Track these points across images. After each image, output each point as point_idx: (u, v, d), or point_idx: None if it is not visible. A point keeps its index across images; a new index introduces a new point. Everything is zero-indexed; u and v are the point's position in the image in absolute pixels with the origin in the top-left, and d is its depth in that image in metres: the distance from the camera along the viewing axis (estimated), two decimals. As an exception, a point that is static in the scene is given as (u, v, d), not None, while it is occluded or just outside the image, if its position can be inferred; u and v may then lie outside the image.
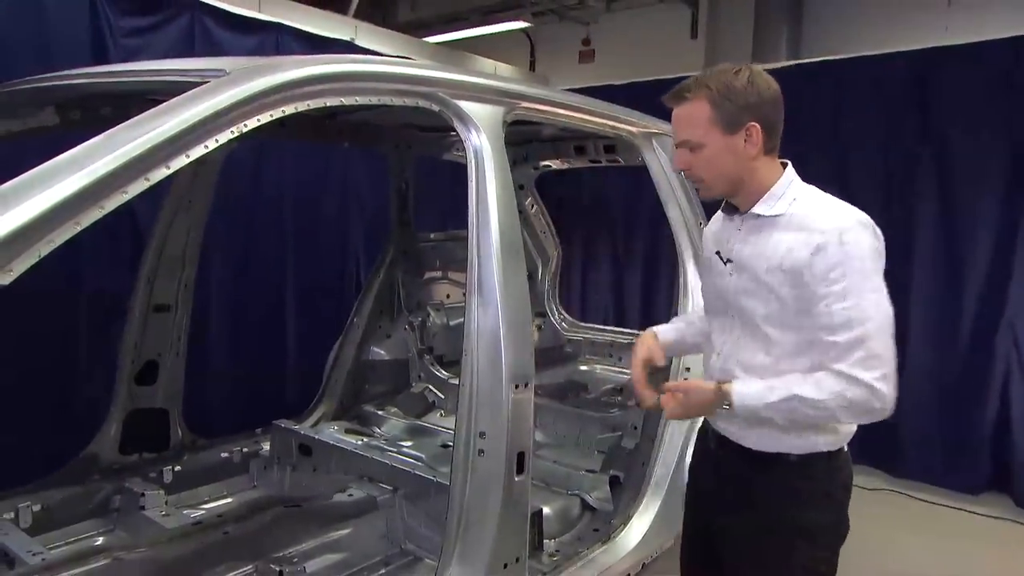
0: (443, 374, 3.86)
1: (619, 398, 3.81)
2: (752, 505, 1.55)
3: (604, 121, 2.68)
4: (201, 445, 3.03)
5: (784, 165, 1.55)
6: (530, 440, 1.95)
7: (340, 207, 4.35)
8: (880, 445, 3.91)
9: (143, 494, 2.61)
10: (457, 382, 3.84)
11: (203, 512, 2.81)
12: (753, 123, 1.45)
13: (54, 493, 2.45)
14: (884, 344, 1.39)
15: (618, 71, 6.31)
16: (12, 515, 2.31)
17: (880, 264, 1.43)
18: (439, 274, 4.21)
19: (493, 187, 1.98)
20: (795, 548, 1.51)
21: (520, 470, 1.90)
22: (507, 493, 1.86)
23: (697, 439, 1.82)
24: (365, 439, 3.25)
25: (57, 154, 1.21)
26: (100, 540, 2.49)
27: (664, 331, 1.85)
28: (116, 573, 1.97)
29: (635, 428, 3.12)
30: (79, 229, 1.20)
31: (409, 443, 3.31)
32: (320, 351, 3.74)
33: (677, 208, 2.81)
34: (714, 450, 1.66)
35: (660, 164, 2.83)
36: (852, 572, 1.81)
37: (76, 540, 2.43)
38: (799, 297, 1.43)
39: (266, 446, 3.19)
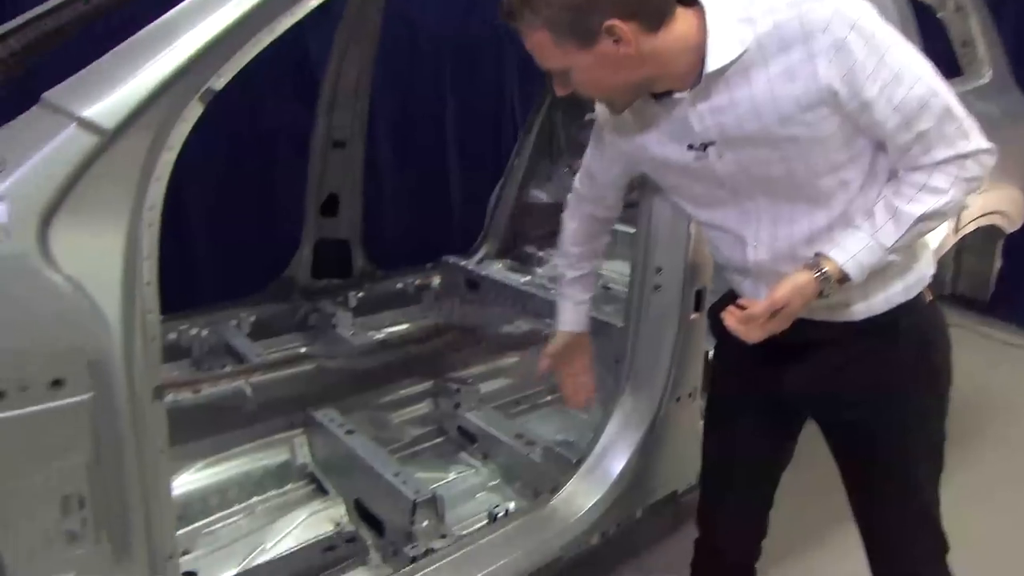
0: (603, 219, 3.81)
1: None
2: (873, 382, 1.27)
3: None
4: (379, 276, 3.27)
5: (690, 3, 1.11)
6: (710, 276, 1.88)
7: (494, 48, 4.21)
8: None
9: (334, 314, 2.89)
10: (618, 226, 3.84)
11: (384, 335, 3.09)
12: (610, 22, 1.05)
13: (264, 308, 2.78)
14: (955, 100, 1.10)
15: None
16: (235, 323, 2.66)
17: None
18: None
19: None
20: (928, 409, 1.31)
21: (697, 308, 1.86)
22: (683, 331, 1.84)
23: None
24: (528, 277, 3.34)
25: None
26: (303, 351, 2.82)
27: (567, 318, 1.70)
28: (321, 376, 2.23)
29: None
30: (276, 34, 1.19)
31: (570, 283, 3.35)
32: (481, 192, 3.81)
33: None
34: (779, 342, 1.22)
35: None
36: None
37: (285, 349, 2.77)
38: (849, 116, 1.09)
39: (436, 280, 3.39)
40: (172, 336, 2.47)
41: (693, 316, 1.85)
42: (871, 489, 1.34)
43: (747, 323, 1.15)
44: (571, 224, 1.66)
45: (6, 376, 0.92)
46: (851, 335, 1.24)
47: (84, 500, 1.02)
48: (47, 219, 0.95)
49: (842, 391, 1.28)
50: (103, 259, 1.02)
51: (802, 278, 1.14)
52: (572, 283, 1.70)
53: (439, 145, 4.09)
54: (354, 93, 3.01)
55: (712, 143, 1.17)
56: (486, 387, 2.53)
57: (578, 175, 1.60)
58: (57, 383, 0.96)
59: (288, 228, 3.04)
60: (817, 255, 1.15)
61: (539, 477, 2.07)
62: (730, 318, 1.17)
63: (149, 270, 1.07)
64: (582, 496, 1.78)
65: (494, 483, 2.19)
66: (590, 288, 1.70)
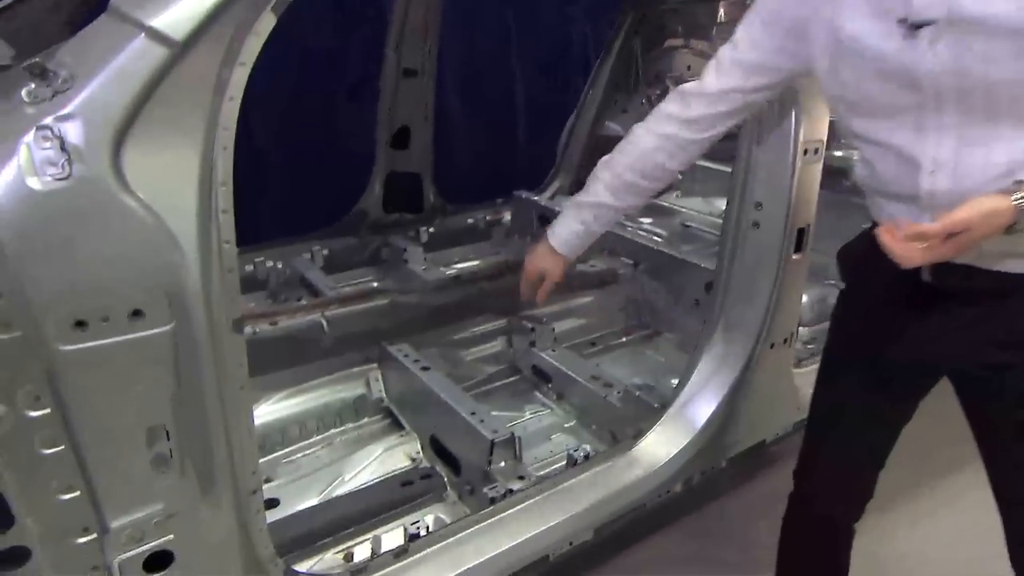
0: (682, 153, 3.61)
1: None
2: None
3: None
4: (450, 211, 3.20)
5: None
6: (813, 215, 1.71)
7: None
8: None
9: (405, 249, 2.84)
10: (699, 162, 3.62)
11: (455, 270, 3.04)
12: None
13: (336, 241, 2.76)
14: None
15: None
16: (308, 256, 2.65)
17: None
18: (680, 43, 3.79)
19: None
20: None
21: (799, 248, 1.70)
22: (782, 272, 1.69)
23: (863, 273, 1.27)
24: (603, 214, 3.20)
25: None
26: (375, 285, 2.80)
27: (566, 236, 1.42)
28: (395, 311, 2.20)
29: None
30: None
31: (648, 220, 3.20)
32: (553, 125, 3.65)
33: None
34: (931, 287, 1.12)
35: None
36: None
37: (357, 282, 2.76)
38: None
39: (507, 215, 3.30)
40: (248, 268, 2.48)
41: (794, 257, 1.70)
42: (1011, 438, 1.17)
43: (911, 241, 0.95)
44: (643, 143, 1.35)
45: (87, 306, 0.89)
46: (1015, 288, 1.05)
47: (168, 431, 1.00)
48: (119, 139, 0.89)
49: (994, 346, 1.10)
50: (178, 184, 0.96)
51: (993, 202, 0.94)
52: (596, 207, 1.40)
53: (509, 77, 3.93)
54: (424, 20, 2.87)
55: (931, 23, 0.95)
56: (560, 326, 2.45)
57: (682, 89, 1.32)
58: (137, 314, 0.92)
59: (359, 161, 2.98)
60: (1019, 181, 0.95)
61: (617, 421, 2.00)
62: (888, 234, 0.96)
63: (225, 197, 1.01)
64: (666, 443, 1.70)
65: (569, 424, 2.14)
66: (607, 225, 1.45)
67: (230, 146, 1.02)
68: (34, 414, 0.88)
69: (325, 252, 2.71)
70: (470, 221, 3.23)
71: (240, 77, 1.02)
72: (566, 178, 3.54)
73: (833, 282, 2.79)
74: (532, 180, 3.49)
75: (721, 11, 3.84)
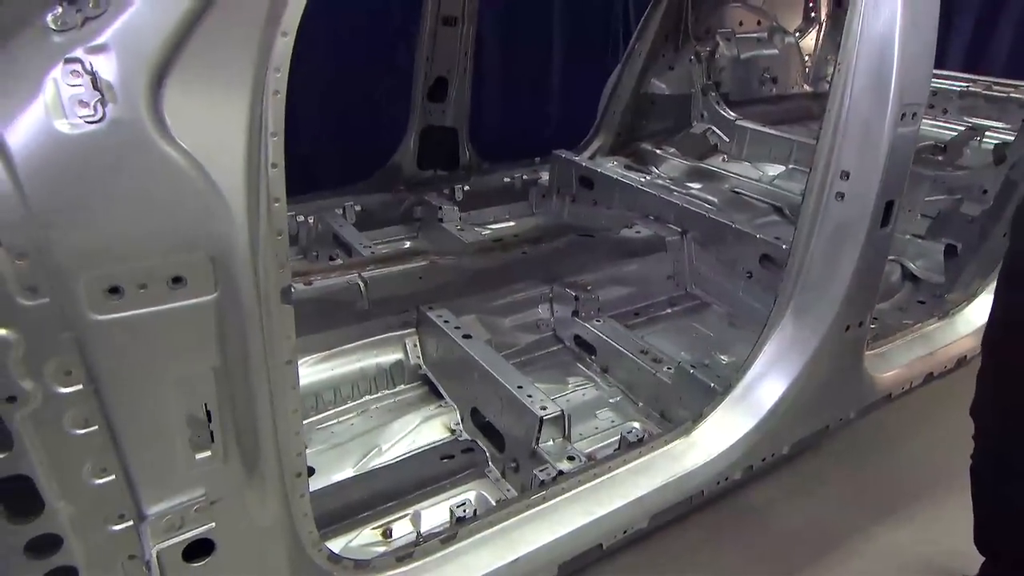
0: (730, 114, 3.41)
1: (940, 158, 3.10)
2: None
3: None
4: (486, 169, 3.06)
5: None
6: (904, 187, 1.55)
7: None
8: None
9: (440, 208, 2.72)
10: (746, 124, 3.42)
11: (491, 232, 2.91)
12: None
13: (370, 198, 2.64)
14: None
15: None
16: (341, 211, 2.53)
17: None
18: (734, -4, 3.57)
19: None
20: None
21: (886, 222, 1.55)
22: (866, 247, 1.54)
23: None
24: (647, 177, 3.03)
25: None
26: (408, 244, 2.68)
27: None
28: (434, 274, 2.08)
29: (984, 192, 2.52)
30: None
31: (695, 186, 3.04)
32: (591, 81, 3.46)
33: None
34: None
35: None
36: None
37: (390, 240, 2.64)
38: None
39: (544, 175, 3.15)
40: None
41: (881, 232, 1.55)
42: None
43: None
44: None
45: (121, 270, 0.77)
46: None
47: (210, 411, 0.90)
48: (159, 78, 0.77)
49: None
50: (224, 131, 0.84)
51: None
52: None
53: (549, 29, 3.72)
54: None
55: None
56: (604, 295, 2.32)
57: None
58: (177, 280, 0.81)
59: (394, 115, 2.83)
60: None
61: (668, 399, 1.89)
62: None
63: (276, 149, 0.88)
64: (729, 427, 1.59)
65: (615, 400, 2.03)
66: None
67: (283, 91, 0.89)
68: (64, 390, 0.77)
69: (358, 208, 2.60)
70: (507, 180, 3.09)
71: (295, 9, 0.88)
72: (607, 137, 3.37)
73: (894, 257, 2.64)
74: (569, 139, 3.32)
75: (778, -37, 3.62)
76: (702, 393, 1.77)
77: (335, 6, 2.74)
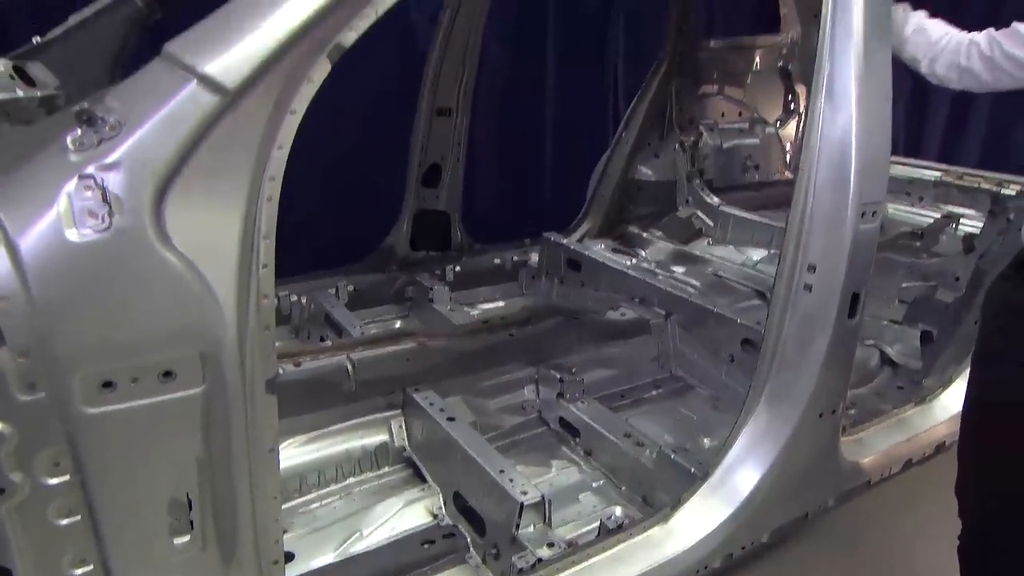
0: (713, 200, 3.55)
1: (918, 244, 3.22)
2: None
3: None
4: (477, 250, 3.15)
5: None
6: (867, 280, 1.63)
7: (600, 18, 3.95)
8: None
9: (431, 288, 2.79)
10: (729, 210, 3.55)
11: (480, 312, 2.98)
12: None
13: (363, 278, 2.72)
14: None
15: None
16: (333, 291, 2.61)
17: None
18: (714, 89, 3.77)
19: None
20: None
21: (852, 313, 1.62)
22: (835, 338, 1.60)
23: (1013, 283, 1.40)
24: (633, 260, 3.13)
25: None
26: (399, 324, 2.74)
27: None
28: (422, 355, 2.13)
29: (957, 279, 2.61)
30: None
31: (680, 269, 3.13)
32: (580, 166, 3.61)
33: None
34: None
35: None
36: None
37: (381, 320, 2.70)
38: None
39: (534, 257, 3.24)
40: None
41: (848, 323, 1.62)
42: None
43: None
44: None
45: (117, 366, 0.83)
46: None
47: (191, 500, 0.93)
48: (163, 190, 0.84)
49: None
50: (219, 236, 0.91)
51: None
52: None
53: (540, 117, 3.91)
54: (462, 59, 2.87)
55: None
56: (589, 377, 2.36)
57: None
58: (168, 375, 0.86)
59: (388, 199, 2.96)
60: None
61: (650, 484, 1.90)
62: None
63: (267, 251, 0.96)
64: (707, 514, 1.60)
65: (598, 484, 2.04)
66: None
67: (276, 196, 0.97)
68: (52, 481, 0.81)
69: (351, 288, 2.67)
70: (497, 261, 3.18)
71: (290, 125, 0.97)
72: (595, 220, 3.49)
73: (872, 342, 2.71)
74: (560, 222, 3.44)
75: (757, 59, 3.84)
76: (683, 478, 1.79)
77: (333, 96, 2.90)
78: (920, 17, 1.77)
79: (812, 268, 1.60)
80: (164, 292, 0.84)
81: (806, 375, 1.63)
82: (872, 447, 1.97)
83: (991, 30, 1.64)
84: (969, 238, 2.67)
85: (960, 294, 2.50)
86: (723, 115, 3.83)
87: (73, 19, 1.75)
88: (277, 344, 2.21)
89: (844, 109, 1.54)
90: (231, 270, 0.91)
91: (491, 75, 3.54)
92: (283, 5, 0.93)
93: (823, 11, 1.57)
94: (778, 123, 4.06)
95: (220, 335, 0.90)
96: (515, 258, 3.23)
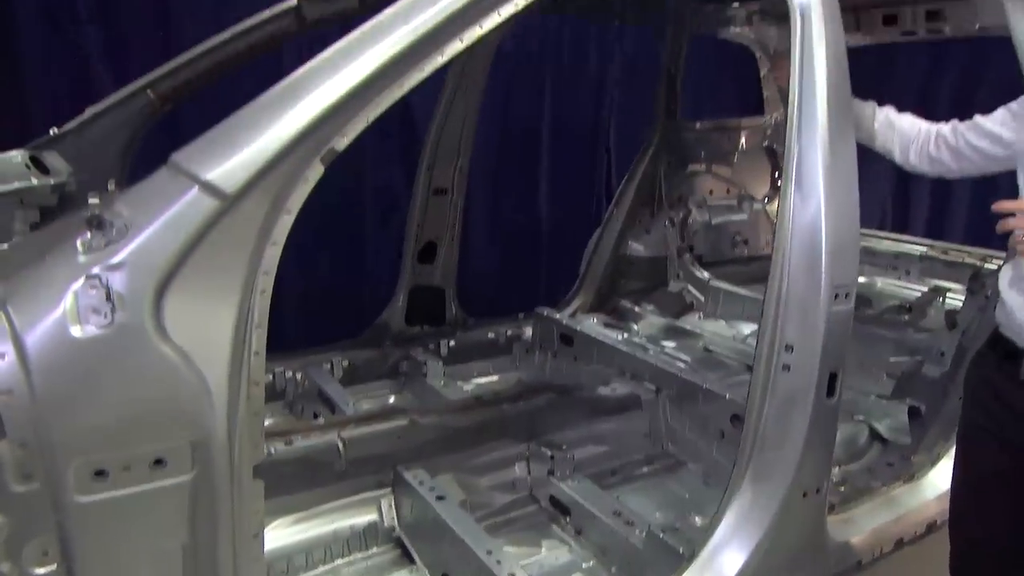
0: (704, 275, 3.63)
1: (906, 317, 3.27)
2: None
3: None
4: (471, 324, 3.20)
5: None
6: (844, 360, 1.68)
7: (594, 98, 4.16)
8: None
9: (425, 363, 2.83)
10: (718, 284, 3.62)
11: (474, 387, 3.00)
12: None
13: (357, 353, 2.76)
14: None
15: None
16: (328, 367, 2.64)
17: None
18: (702, 168, 3.91)
19: (822, 51, 1.64)
20: None
21: (831, 392, 1.66)
22: (814, 417, 1.64)
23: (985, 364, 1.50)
24: (625, 335, 3.18)
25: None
26: (392, 399, 2.77)
27: None
28: (414, 433, 2.15)
29: (942, 355, 2.65)
30: (401, 92, 1.15)
31: (671, 344, 3.17)
32: (573, 242, 3.72)
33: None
34: None
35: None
36: None
37: (374, 396, 2.73)
38: None
39: (528, 331, 3.29)
40: (268, 378, 2.46)
41: (827, 402, 1.65)
42: None
43: None
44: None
45: (111, 455, 0.87)
46: None
47: (176, 586, 0.95)
48: (162, 288, 0.91)
49: None
50: (214, 327, 0.97)
51: None
52: None
53: (534, 194, 4.05)
54: (458, 142, 3.00)
55: None
56: (580, 453, 2.37)
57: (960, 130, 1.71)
58: (159, 462, 0.90)
59: (385, 274, 3.04)
60: None
61: (640, 565, 1.89)
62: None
63: (258, 339, 1.01)
64: (694, 598, 1.59)
65: (588, 564, 2.02)
66: None
67: (269, 289, 1.03)
68: (40, 571, 0.84)
69: (345, 363, 2.71)
70: (491, 336, 3.22)
71: (285, 223, 1.04)
72: (588, 295, 3.56)
73: (861, 418, 2.72)
74: (554, 296, 3.52)
75: (742, 139, 4.00)
76: (672, 558, 1.78)
77: (333, 176, 3.03)
78: (888, 111, 1.89)
79: (790, 348, 1.65)
80: (159, 383, 0.89)
81: (788, 454, 1.66)
82: (861, 526, 1.97)
83: (955, 122, 1.75)
84: (951, 314, 2.73)
85: (946, 370, 2.53)
86: (712, 192, 3.95)
87: (89, 111, 1.87)
88: (269, 421, 2.26)
89: (813, 197, 1.63)
90: (224, 359, 0.97)
91: (487, 154, 3.71)
92: (281, 117, 1.02)
93: (789, 104, 1.68)
94: (766, 199, 4.18)
95: (210, 423, 0.94)
96: (509, 332, 3.27)
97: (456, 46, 1.20)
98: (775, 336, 1.67)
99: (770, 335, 1.67)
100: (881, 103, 1.94)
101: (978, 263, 3.25)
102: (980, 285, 2.56)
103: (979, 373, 1.60)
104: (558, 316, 3.20)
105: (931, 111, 1.92)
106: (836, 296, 1.64)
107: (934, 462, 2.23)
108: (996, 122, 1.62)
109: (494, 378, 3.13)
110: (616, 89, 4.18)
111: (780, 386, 1.66)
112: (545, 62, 3.90)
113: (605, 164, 4.28)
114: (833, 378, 1.66)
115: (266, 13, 2.19)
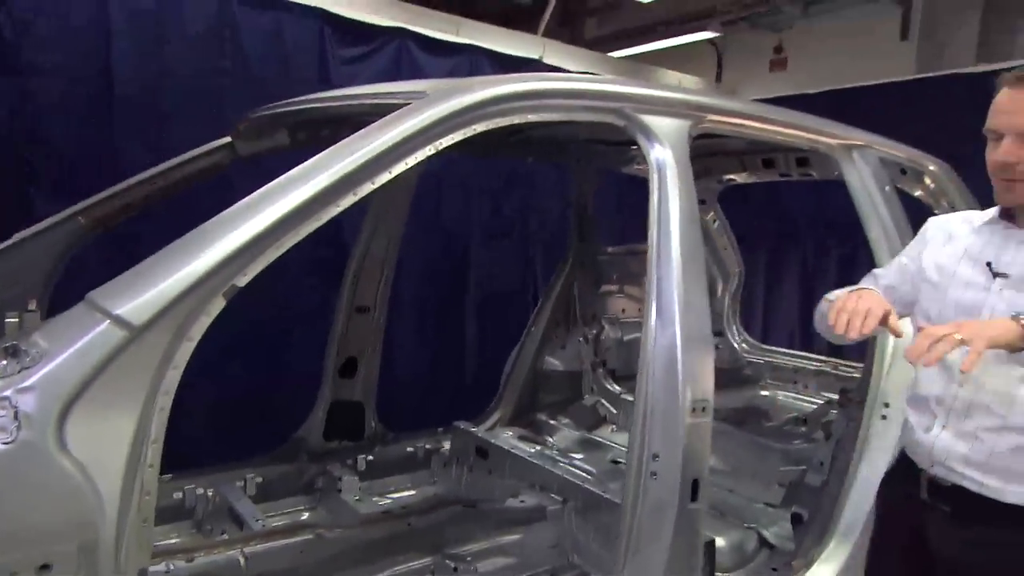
0: (615, 388, 3.84)
1: (803, 429, 3.55)
2: None
3: (798, 133, 2.52)
4: (390, 439, 3.28)
5: None
6: (706, 467, 1.88)
7: (520, 220, 4.52)
8: None
9: (341, 478, 2.88)
10: (629, 397, 3.84)
11: (389, 501, 3.05)
12: None
13: (272, 469, 2.80)
14: None
15: (813, 79, 5.88)
16: (241, 483, 2.67)
17: None
18: (615, 288, 4.21)
19: (676, 203, 1.95)
20: None
21: (694, 497, 1.84)
22: (680, 520, 1.81)
23: (892, 481, 1.67)
24: (538, 447, 3.32)
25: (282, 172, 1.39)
26: (305, 516, 2.79)
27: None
28: (318, 548, 2.20)
29: (822, 464, 2.89)
30: (299, 238, 1.36)
31: (580, 455, 3.33)
32: (499, 357, 3.90)
33: (880, 227, 2.55)
34: (929, 503, 1.49)
35: (861, 178, 2.59)
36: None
37: (287, 512, 2.75)
38: None
39: (446, 444, 3.38)
40: (177, 495, 2.48)
41: (691, 506, 1.83)
42: None
43: (930, 340, 1.24)
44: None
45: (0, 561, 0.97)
46: None
47: None
48: (67, 408, 1.05)
49: None
50: (112, 442, 1.10)
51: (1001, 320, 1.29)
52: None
53: (459, 312, 4.27)
54: (381, 263, 3.19)
55: (1004, 276, 1.38)
56: (484, 566, 2.45)
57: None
58: (45, 567, 1.00)
59: (303, 389, 3.12)
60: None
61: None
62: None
63: (154, 453, 1.14)
64: None
65: None
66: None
67: (167, 407, 1.18)
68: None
69: (259, 480, 2.73)
70: (409, 450, 3.29)
71: (187, 349, 1.21)
72: (507, 409, 3.70)
73: (752, 525, 2.89)
74: (475, 410, 3.65)
75: (650, 263, 4.36)
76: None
77: (252, 293, 3.18)
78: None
79: (656, 457, 1.85)
80: (54, 493, 1.01)
81: (659, 554, 1.81)
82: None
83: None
84: (827, 425, 3.00)
85: (824, 478, 2.76)
86: (624, 311, 4.25)
87: (18, 236, 2.01)
88: (175, 540, 2.27)
89: (670, 326, 1.88)
90: (119, 470, 1.09)
91: (409, 271, 3.93)
92: (191, 263, 1.21)
93: (649, 243, 1.96)
94: (676, 317, 4.50)
95: (100, 528, 1.05)
96: (428, 446, 3.34)
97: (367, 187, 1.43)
98: (643, 446, 1.86)
99: (638, 444, 1.87)
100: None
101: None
102: (847, 398, 2.85)
103: (886, 491, 1.78)
104: (474, 430, 3.31)
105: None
106: (694, 409, 1.86)
107: (808, 566, 2.39)
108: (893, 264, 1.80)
109: (411, 492, 3.17)
110: (543, 214, 4.54)
111: (650, 492, 1.84)
112: (472, 183, 4.24)
113: (533, 284, 4.56)
114: (696, 484, 1.85)
115: (201, 148, 2.44)
